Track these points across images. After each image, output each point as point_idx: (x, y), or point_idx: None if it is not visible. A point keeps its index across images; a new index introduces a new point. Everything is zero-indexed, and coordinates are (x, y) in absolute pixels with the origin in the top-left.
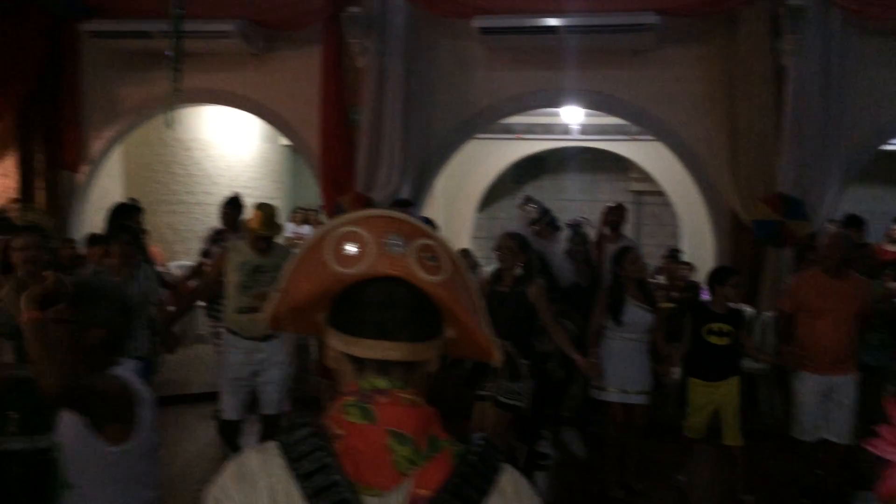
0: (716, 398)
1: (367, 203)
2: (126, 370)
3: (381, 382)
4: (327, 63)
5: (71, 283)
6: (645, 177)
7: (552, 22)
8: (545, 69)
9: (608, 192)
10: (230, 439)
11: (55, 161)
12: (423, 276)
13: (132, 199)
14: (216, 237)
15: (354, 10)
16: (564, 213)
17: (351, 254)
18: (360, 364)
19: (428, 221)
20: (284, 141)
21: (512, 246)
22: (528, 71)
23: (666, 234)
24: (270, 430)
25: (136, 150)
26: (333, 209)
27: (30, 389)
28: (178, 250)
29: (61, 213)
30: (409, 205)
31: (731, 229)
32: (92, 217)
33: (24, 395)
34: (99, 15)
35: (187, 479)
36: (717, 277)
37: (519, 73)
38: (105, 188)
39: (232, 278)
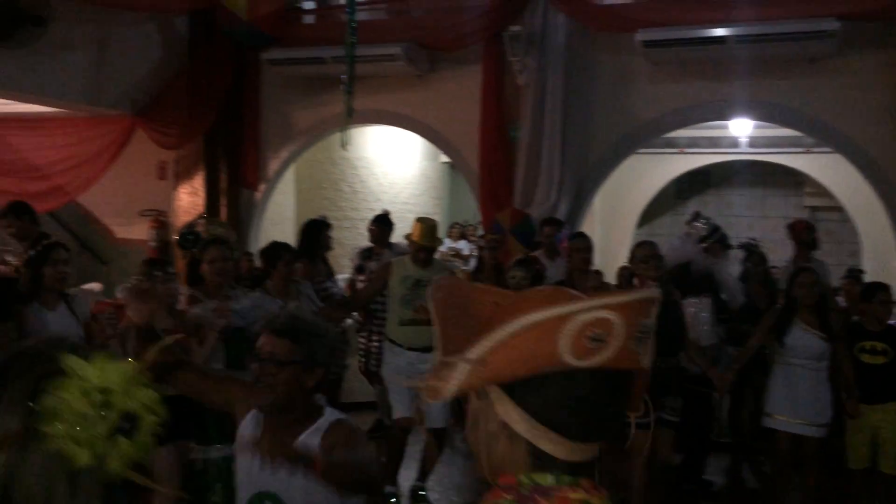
0: (873, 422)
1: (525, 220)
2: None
3: (547, 479)
4: (488, 81)
5: (288, 318)
6: (821, 191)
7: (721, 32)
8: (712, 80)
9: (780, 208)
10: (400, 441)
11: (236, 179)
12: (644, 363)
13: (322, 216)
14: (367, 254)
15: (515, 28)
16: (731, 230)
17: (593, 346)
18: (538, 457)
19: (581, 236)
20: (444, 158)
21: (657, 253)
22: (694, 83)
23: (844, 253)
24: (442, 441)
25: (306, 168)
26: (491, 225)
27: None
28: (344, 265)
29: (241, 228)
30: (560, 224)
31: None
32: (267, 231)
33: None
34: (278, 44)
35: None
36: (864, 294)
37: (684, 86)
38: (279, 204)
39: (394, 292)
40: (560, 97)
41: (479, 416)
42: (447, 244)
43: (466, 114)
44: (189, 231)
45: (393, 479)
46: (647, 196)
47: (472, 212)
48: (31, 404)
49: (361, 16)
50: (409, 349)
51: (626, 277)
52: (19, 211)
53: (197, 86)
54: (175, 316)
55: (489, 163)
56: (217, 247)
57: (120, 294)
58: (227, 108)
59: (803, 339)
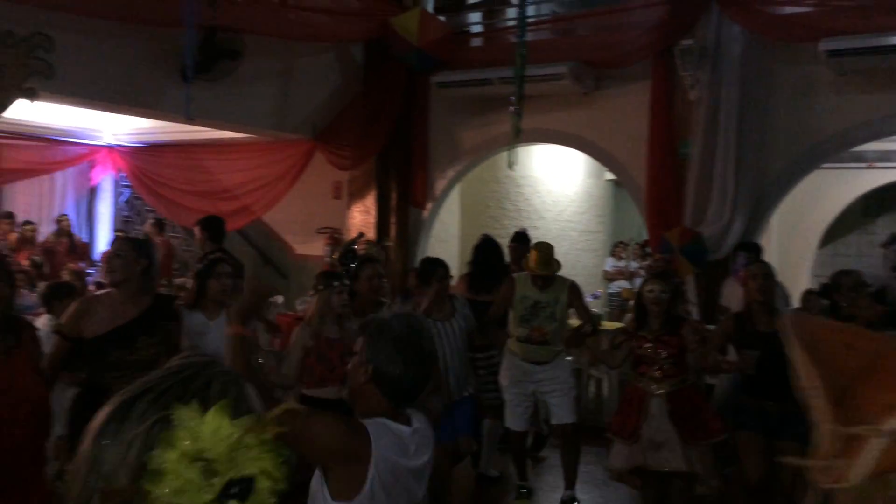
0: None
1: (696, 238)
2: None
3: None
4: (656, 97)
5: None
6: None
7: None
8: None
9: None
10: (518, 450)
11: (406, 198)
12: None
13: (523, 229)
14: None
15: (687, 42)
16: None
17: None
18: None
19: (758, 261)
20: (609, 176)
21: (864, 282)
22: (884, 93)
23: None
24: (571, 437)
25: (471, 187)
26: (659, 244)
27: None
28: None
29: (409, 245)
30: (758, 250)
31: None
32: (433, 248)
33: None
34: (446, 67)
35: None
36: None
37: (874, 96)
38: (444, 222)
39: (515, 308)
40: (735, 111)
41: None
42: (610, 264)
43: (633, 131)
44: (349, 250)
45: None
46: (830, 214)
47: (636, 230)
48: (144, 457)
49: (527, 36)
50: (525, 360)
51: (816, 304)
52: (206, 224)
53: (370, 110)
54: (342, 327)
55: (657, 180)
56: (373, 265)
57: (299, 307)
58: (398, 131)
59: None
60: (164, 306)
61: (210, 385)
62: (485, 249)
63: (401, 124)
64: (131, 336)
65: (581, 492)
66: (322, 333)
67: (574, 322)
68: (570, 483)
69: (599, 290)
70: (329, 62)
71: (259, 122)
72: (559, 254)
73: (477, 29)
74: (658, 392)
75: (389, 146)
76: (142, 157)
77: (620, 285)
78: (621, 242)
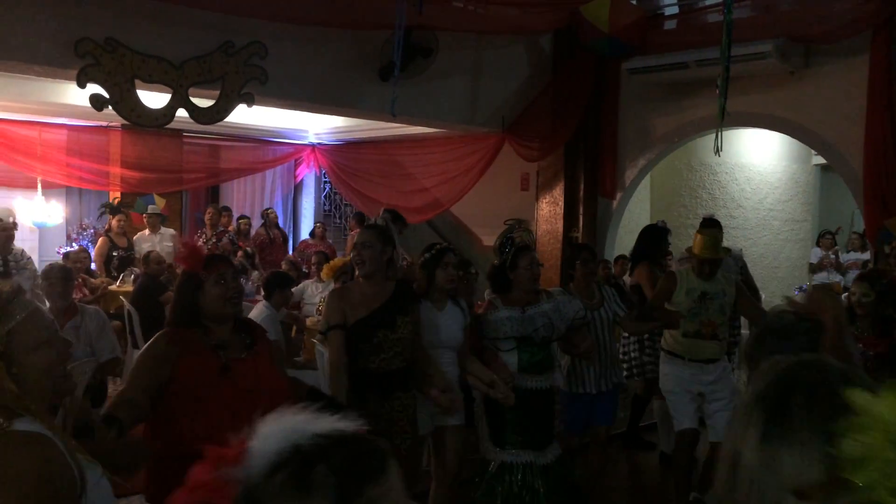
0: None
1: None
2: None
3: None
4: (875, 73)
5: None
6: None
7: None
8: None
9: None
10: (686, 452)
11: (594, 189)
12: None
13: (662, 222)
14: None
15: None
16: None
17: None
18: None
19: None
20: (817, 160)
21: None
22: None
23: None
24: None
25: (663, 176)
26: (879, 233)
27: None
28: None
29: (597, 236)
30: None
31: None
32: (622, 239)
33: None
34: (638, 52)
35: None
36: None
37: None
38: (634, 213)
39: (680, 304)
40: None
41: None
42: (816, 255)
43: (848, 111)
44: (508, 238)
45: (683, 495)
46: None
47: (845, 218)
48: (829, 449)
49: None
50: (690, 360)
51: None
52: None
53: (559, 100)
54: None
55: (877, 163)
56: (530, 252)
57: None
58: (587, 120)
59: None
60: (406, 289)
61: (847, 376)
62: (645, 235)
63: (590, 113)
64: (391, 316)
65: None
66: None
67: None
68: (697, 496)
69: (806, 283)
70: (518, 54)
71: (451, 117)
72: (761, 244)
73: (671, 11)
74: None
75: (578, 136)
76: (341, 154)
77: (828, 278)
78: (828, 232)
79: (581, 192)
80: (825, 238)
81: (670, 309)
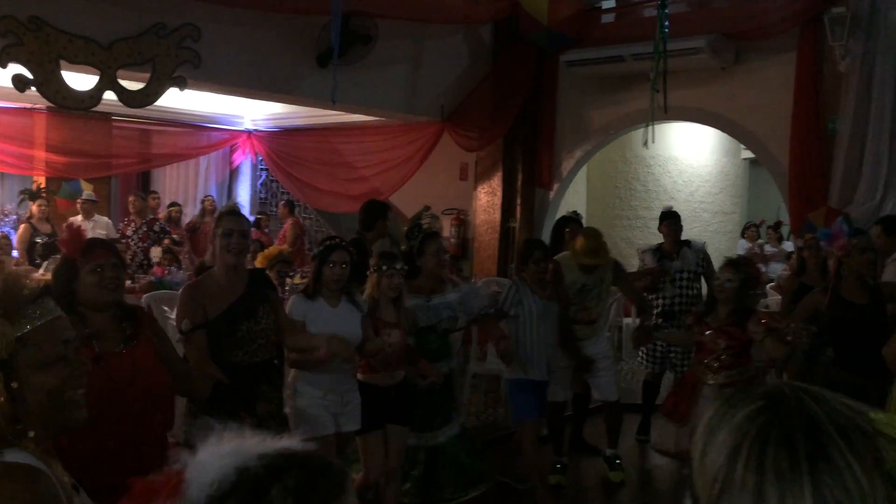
0: None
1: (846, 218)
2: None
3: None
4: (802, 70)
5: None
6: None
7: None
8: None
9: None
10: (556, 422)
11: (532, 179)
12: None
13: (574, 212)
14: (659, 253)
15: (838, 10)
16: None
17: None
18: None
19: (863, 233)
20: (745, 154)
21: None
22: None
23: None
24: (615, 409)
25: (599, 167)
26: (802, 225)
27: None
28: (634, 264)
29: (534, 227)
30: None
31: None
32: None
33: None
34: (577, 45)
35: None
36: None
37: None
38: (571, 203)
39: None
40: (891, 84)
41: None
42: (742, 246)
43: (776, 106)
44: (416, 224)
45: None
46: None
47: (772, 211)
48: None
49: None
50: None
51: None
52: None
53: (498, 91)
54: (399, 309)
55: (801, 158)
56: (437, 239)
57: None
58: (526, 111)
59: None
60: (261, 276)
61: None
62: (561, 228)
63: (528, 104)
64: (252, 307)
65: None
66: (378, 316)
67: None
68: (612, 442)
69: None
70: (458, 44)
71: (390, 105)
72: (691, 235)
73: (609, 4)
74: (711, 382)
75: (517, 127)
76: (278, 141)
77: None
78: (753, 224)
79: (519, 183)
80: (750, 230)
81: None
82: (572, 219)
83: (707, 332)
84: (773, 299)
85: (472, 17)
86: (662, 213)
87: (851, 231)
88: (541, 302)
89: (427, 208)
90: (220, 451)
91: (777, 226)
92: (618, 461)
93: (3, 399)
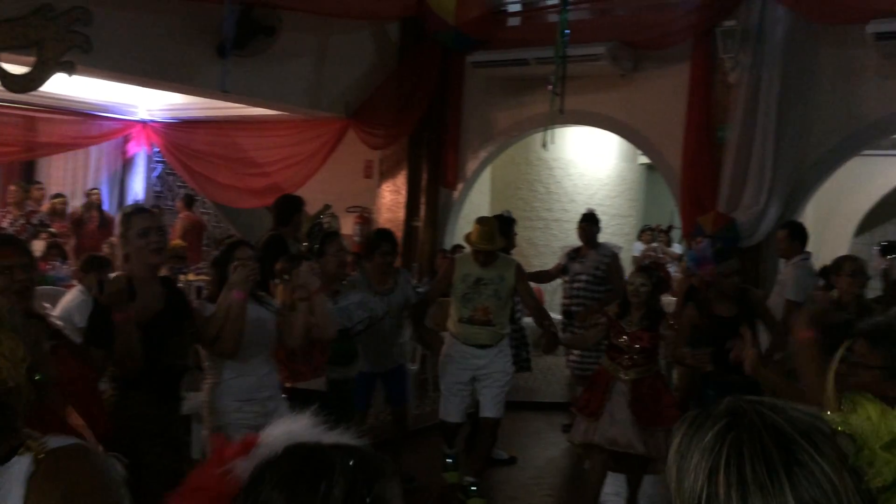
0: None
1: (729, 224)
2: None
3: None
4: (695, 80)
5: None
6: None
7: None
8: None
9: None
10: (449, 441)
11: (436, 179)
12: None
13: (507, 212)
14: (574, 254)
15: (729, 23)
16: None
17: None
18: None
19: (731, 258)
20: (642, 160)
21: (864, 271)
22: None
23: None
24: (488, 433)
25: (503, 169)
26: (693, 229)
27: None
28: (535, 265)
29: (438, 226)
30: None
31: None
32: (463, 229)
33: None
34: (483, 47)
35: (540, 485)
36: None
37: None
38: (475, 204)
39: (456, 289)
40: (775, 95)
41: None
42: (638, 248)
43: (670, 114)
44: (316, 224)
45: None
46: (868, 202)
47: (668, 215)
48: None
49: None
50: (465, 344)
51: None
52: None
53: (404, 89)
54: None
55: (693, 164)
56: (338, 239)
57: None
58: (431, 110)
59: None
60: (174, 287)
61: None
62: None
63: (434, 104)
64: (176, 324)
65: None
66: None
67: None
68: (477, 472)
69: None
70: (364, 40)
71: (293, 100)
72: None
73: (515, 8)
74: (624, 378)
75: (422, 126)
76: (176, 132)
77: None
78: (649, 227)
79: (423, 182)
80: (646, 233)
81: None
82: (509, 218)
83: (623, 337)
84: (667, 300)
85: (379, 14)
86: (583, 215)
87: (717, 257)
88: (378, 297)
89: (327, 207)
90: (293, 427)
91: (669, 229)
92: (474, 488)
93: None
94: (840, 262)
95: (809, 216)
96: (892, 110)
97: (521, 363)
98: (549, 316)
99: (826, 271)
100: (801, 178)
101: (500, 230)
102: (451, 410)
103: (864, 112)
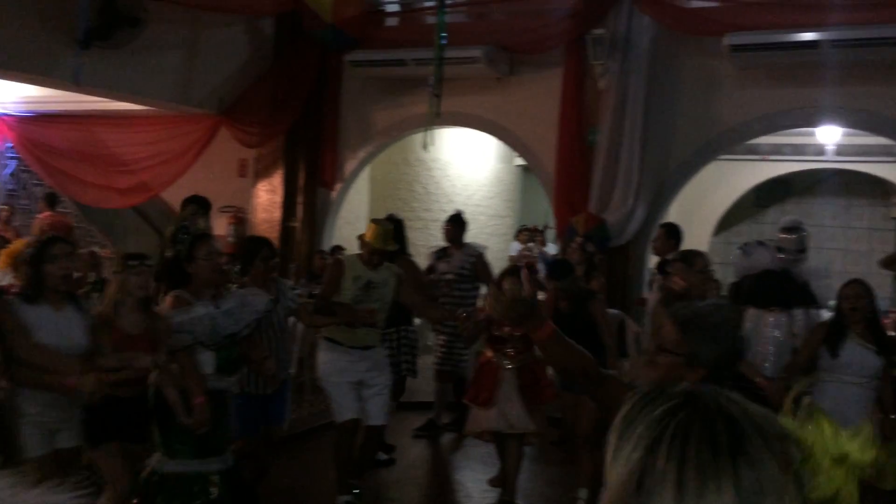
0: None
1: (600, 225)
2: None
3: None
4: (568, 85)
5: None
6: None
7: (812, 37)
8: (801, 86)
9: (864, 219)
10: (348, 442)
11: (314, 178)
12: None
13: (394, 214)
14: (440, 254)
15: (599, 31)
16: (813, 241)
17: None
18: None
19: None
20: (519, 161)
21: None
22: (782, 88)
23: None
24: (375, 440)
25: (382, 169)
26: (566, 229)
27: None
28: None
29: (316, 226)
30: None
31: None
32: (341, 230)
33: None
34: (361, 46)
35: (413, 481)
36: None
37: (772, 91)
38: (354, 204)
39: (345, 292)
40: (641, 101)
41: None
42: (515, 248)
43: (545, 117)
44: (182, 227)
45: (345, 487)
46: (725, 203)
47: (543, 215)
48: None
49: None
50: (350, 347)
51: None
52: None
53: (280, 86)
54: (148, 314)
55: (566, 166)
56: (209, 241)
57: None
58: (309, 109)
59: (859, 355)
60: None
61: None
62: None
63: (311, 102)
64: None
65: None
66: (118, 326)
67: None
68: (360, 473)
69: None
70: (238, 35)
71: (160, 94)
72: (468, 237)
73: (393, 8)
74: (509, 367)
75: (299, 124)
76: (32, 127)
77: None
78: (526, 228)
79: (301, 182)
80: (522, 233)
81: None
82: (398, 220)
83: (505, 328)
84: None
85: (253, 9)
86: (450, 215)
87: (551, 273)
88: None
89: (198, 206)
90: None
91: (545, 229)
92: (356, 490)
93: None
94: (691, 258)
95: (673, 217)
96: (746, 118)
97: (409, 368)
98: (436, 305)
99: (664, 265)
100: (665, 181)
101: (395, 232)
102: (346, 410)
103: (722, 119)
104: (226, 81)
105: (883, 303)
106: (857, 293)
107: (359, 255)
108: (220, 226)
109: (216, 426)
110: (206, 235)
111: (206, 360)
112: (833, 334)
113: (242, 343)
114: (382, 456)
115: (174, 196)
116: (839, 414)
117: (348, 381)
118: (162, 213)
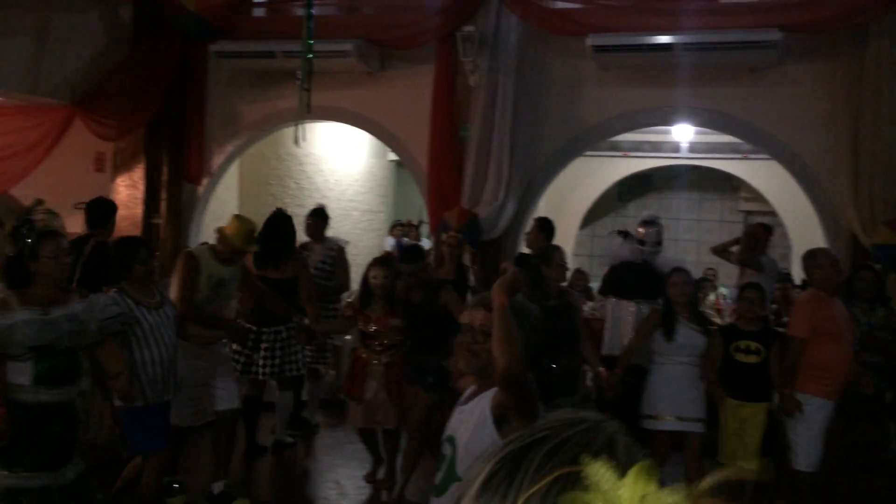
0: (743, 417)
1: (472, 220)
2: None
3: None
4: (439, 81)
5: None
6: (755, 196)
7: (667, 39)
8: (658, 87)
9: (715, 212)
10: (181, 442)
11: (179, 173)
12: None
13: (281, 209)
14: (302, 249)
15: (469, 29)
16: (671, 232)
17: None
18: None
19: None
20: (392, 156)
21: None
22: (641, 88)
23: (776, 257)
24: (232, 424)
25: (251, 163)
26: (439, 224)
27: None
28: None
29: (181, 223)
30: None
31: (850, 254)
32: (208, 227)
33: None
34: (227, 36)
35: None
36: (739, 293)
37: (631, 91)
38: (222, 200)
39: (200, 290)
40: (510, 98)
41: None
42: (389, 244)
43: (417, 112)
44: (26, 222)
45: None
46: (590, 198)
47: (417, 210)
48: None
49: (313, 11)
50: (200, 344)
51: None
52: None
53: (139, 76)
54: None
55: (438, 162)
56: (56, 239)
57: None
58: (172, 100)
59: (690, 337)
60: None
61: (615, 442)
62: (275, 224)
63: (175, 94)
64: None
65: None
66: None
67: None
68: (224, 471)
69: None
70: (92, 21)
71: (5, 84)
72: (342, 233)
73: None
74: (375, 362)
75: (162, 116)
76: None
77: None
78: (400, 223)
79: (164, 176)
80: (396, 228)
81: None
82: (320, 210)
83: (371, 325)
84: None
85: None
86: (312, 209)
87: (402, 258)
88: (152, 312)
89: (40, 202)
90: None
91: (419, 224)
92: (176, 485)
93: None
94: (549, 253)
95: (542, 211)
96: (608, 116)
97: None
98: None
99: (525, 259)
100: (534, 177)
101: (283, 228)
102: (184, 415)
103: (585, 117)
104: (79, 70)
105: (731, 292)
106: (683, 280)
107: (211, 247)
108: (76, 223)
109: (55, 439)
110: (52, 233)
111: (20, 370)
112: (667, 321)
113: (93, 353)
114: (288, 439)
115: (24, 193)
116: (676, 391)
117: (196, 383)
118: (11, 210)
